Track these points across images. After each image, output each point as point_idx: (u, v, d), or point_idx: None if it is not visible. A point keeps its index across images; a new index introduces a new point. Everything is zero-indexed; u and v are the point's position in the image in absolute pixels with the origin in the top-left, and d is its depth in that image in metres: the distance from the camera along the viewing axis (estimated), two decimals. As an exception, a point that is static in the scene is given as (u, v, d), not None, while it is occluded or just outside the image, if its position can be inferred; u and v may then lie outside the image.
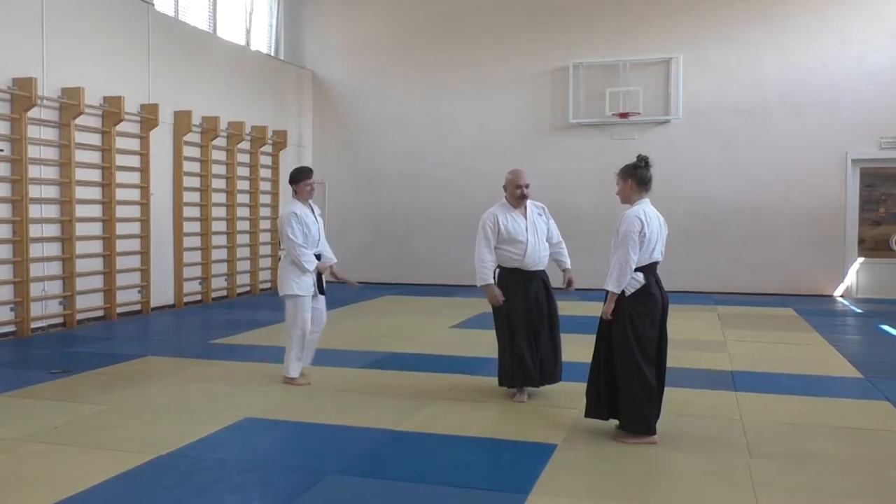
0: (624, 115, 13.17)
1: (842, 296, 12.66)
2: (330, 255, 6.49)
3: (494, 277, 5.84)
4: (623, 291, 4.71)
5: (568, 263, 6.00)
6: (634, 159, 4.89)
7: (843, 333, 9.32)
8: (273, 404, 5.68)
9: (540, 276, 5.78)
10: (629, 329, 4.70)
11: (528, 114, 13.97)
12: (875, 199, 12.81)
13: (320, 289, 6.33)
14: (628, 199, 4.89)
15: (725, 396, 5.94)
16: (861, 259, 12.73)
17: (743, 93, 12.92)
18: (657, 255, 4.80)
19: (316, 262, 6.22)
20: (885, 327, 9.59)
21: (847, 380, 6.63)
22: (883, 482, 4.15)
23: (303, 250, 6.13)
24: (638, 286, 4.72)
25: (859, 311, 11.25)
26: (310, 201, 6.36)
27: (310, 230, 6.20)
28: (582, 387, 6.09)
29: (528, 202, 5.85)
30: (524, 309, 5.70)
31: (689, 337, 8.30)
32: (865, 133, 12.43)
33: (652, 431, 4.72)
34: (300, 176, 6.32)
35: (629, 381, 4.72)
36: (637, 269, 4.71)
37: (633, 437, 4.73)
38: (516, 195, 5.79)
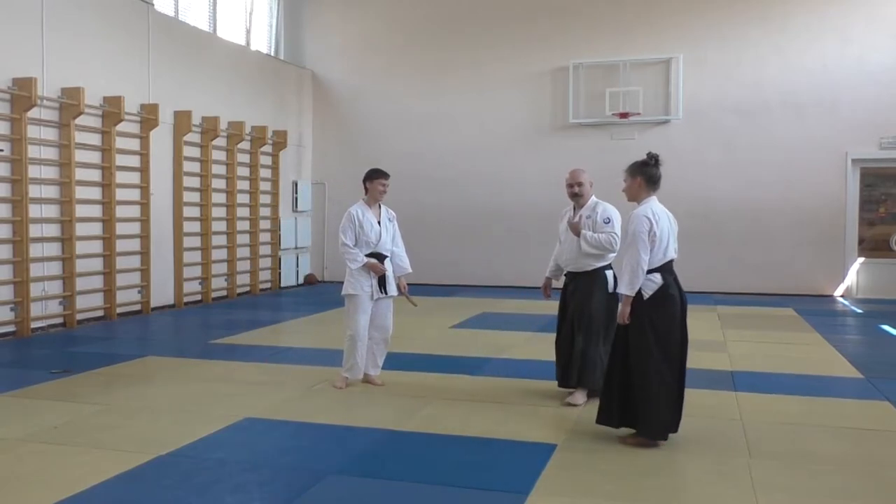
0: (624, 115, 13.17)
1: (842, 296, 12.66)
2: (402, 264, 6.38)
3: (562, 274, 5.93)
4: (641, 294, 4.57)
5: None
6: (644, 156, 4.76)
7: (844, 333, 9.32)
8: (273, 404, 5.68)
9: (577, 278, 5.66)
10: (649, 333, 4.57)
11: (528, 114, 13.97)
12: (875, 199, 12.81)
13: (382, 288, 6.19)
14: (636, 197, 4.77)
15: (725, 396, 5.95)
16: (861, 259, 12.73)
17: (743, 93, 12.92)
18: (671, 254, 4.66)
19: (362, 260, 6.10)
20: (885, 327, 9.59)
21: (847, 380, 6.64)
22: (883, 482, 4.15)
23: (347, 248, 6.11)
24: (655, 287, 4.58)
25: (859, 311, 11.25)
26: (383, 205, 6.31)
27: (363, 230, 6.13)
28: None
29: (592, 205, 5.66)
30: (559, 309, 5.84)
31: (689, 337, 8.27)
32: (865, 133, 12.43)
33: (666, 437, 4.63)
34: (374, 174, 6.26)
35: (649, 386, 4.58)
36: (653, 270, 4.58)
37: (636, 439, 4.67)
38: (568, 194, 5.75)
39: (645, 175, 4.72)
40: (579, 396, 5.62)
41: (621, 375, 4.71)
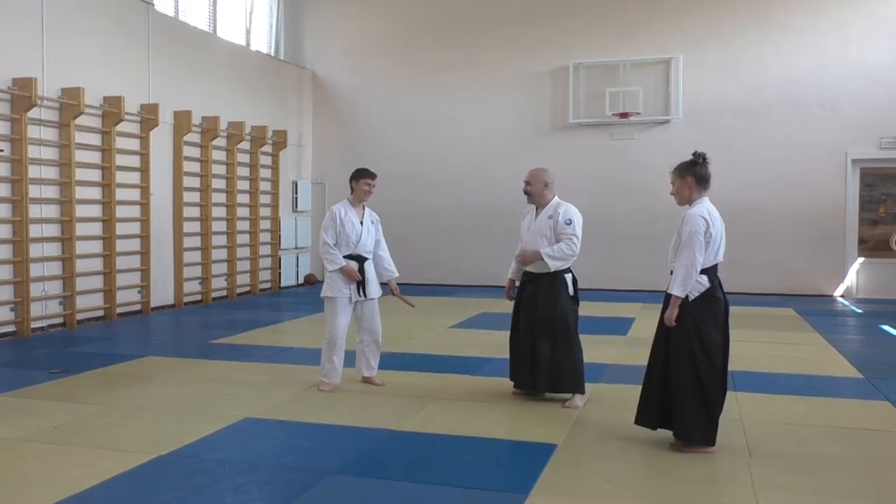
0: (624, 115, 13.17)
1: (842, 296, 12.66)
2: (389, 268, 6.32)
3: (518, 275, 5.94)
4: (686, 296, 4.46)
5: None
6: (691, 156, 4.62)
7: (844, 333, 9.32)
8: (273, 404, 5.68)
9: (537, 279, 5.67)
10: (694, 336, 4.47)
11: (528, 114, 13.97)
12: (875, 199, 12.81)
13: (360, 290, 6.08)
14: (687, 198, 4.61)
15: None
16: (861, 259, 12.73)
17: (743, 93, 12.92)
18: (721, 256, 4.58)
19: (341, 263, 6.01)
20: (885, 327, 9.60)
21: (847, 380, 6.64)
22: (883, 482, 4.15)
23: (327, 248, 6.01)
24: (703, 289, 4.49)
25: (859, 311, 11.25)
26: (367, 207, 6.24)
27: (345, 230, 6.05)
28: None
29: (555, 205, 5.69)
30: (514, 309, 5.87)
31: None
32: (865, 133, 12.43)
33: (712, 442, 4.53)
34: (360, 174, 6.18)
35: (691, 390, 4.49)
36: (701, 272, 4.48)
37: (689, 446, 4.56)
38: (523, 191, 5.81)
39: (695, 175, 4.59)
40: (578, 400, 5.61)
41: (662, 377, 4.62)
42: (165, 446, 4.62)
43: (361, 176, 6.20)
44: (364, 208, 6.25)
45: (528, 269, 5.75)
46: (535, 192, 5.73)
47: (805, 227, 12.71)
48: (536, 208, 5.79)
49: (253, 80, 13.27)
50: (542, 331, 5.57)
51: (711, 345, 4.52)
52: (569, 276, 5.66)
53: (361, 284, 6.11)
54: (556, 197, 5.76)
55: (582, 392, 5.63)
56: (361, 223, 6.16)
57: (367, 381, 6.26)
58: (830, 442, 4.84)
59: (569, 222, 5.56)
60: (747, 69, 12.90)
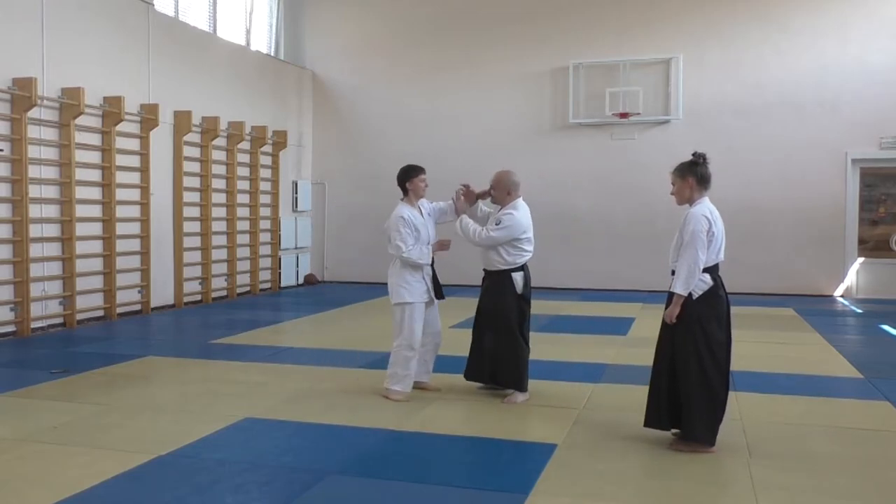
0: (624, 115, 13.17)
1: (842, 296, 12.66)
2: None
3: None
4: (690, 294, 4.49)
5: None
6: (691, 156, 4.64)
7: (843, 333, 9.32)
8: (273, 404, 5.68)
9: (490, 276, 5.88)
10: (699, 334, 4.50)
11: (528, 114, 13.97)
12: (875, 199, 12.81)
13: (438, 293, 5.90)
14: (688, 198, 4.64)
15: (725, 396, 5.93)
16: (861, 259, 12.73)
17: (743, 93, 12.92)
18: (722, 256, 4.60)
19: (428, 250, 5.79)
20: (885, 327, 9.59)
21: (847, 380, 6.64)
22: (883, 482, 4.15)
23: (412, 251, 5.68)
24: (706, 288, 4.52)
25: (859, 311, 11.25)
26: (418, 201, 5.92)
27: (419, 233, 5.76)
28: (579, 387, 6.15)
29: (504, 206, 5.83)
30: (477, 304, 6.13)
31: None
32: (865, 133, 12.43)
33: (713, 441, 4.54)
34: (413, 172, 5.90)
35: (695, 388, 4.50)
36: (703, 271, 4.50)
37: (688, 445, 4.57)
38: None
39: (696, 175, 4.61)
40: (518, 396, 5.73)
41: (668, 377, 4.62)
42: (165, 446, 4.62)
43: (414, 173, 5.93)
44: (417, 204, 5.96)
45: (484, 266, 5.94)
46: (498, 197, 5.91)
47: (805, 227, 12.71)
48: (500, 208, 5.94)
49: (253, 80, 13.27)
50: (486, 325, 5.84)
51: (715, 343, 4.54)
52: (518, 275, 5.74)
53: (437, 284, 5.95)
54: (520, 199, 5.84)
55: (522, 390, 5.73)
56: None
57: (422, 387, 6.00)
58: (830, 442, 4.85)
59: (498, 222, 5.73)
60: (747, 69, 12.90)
